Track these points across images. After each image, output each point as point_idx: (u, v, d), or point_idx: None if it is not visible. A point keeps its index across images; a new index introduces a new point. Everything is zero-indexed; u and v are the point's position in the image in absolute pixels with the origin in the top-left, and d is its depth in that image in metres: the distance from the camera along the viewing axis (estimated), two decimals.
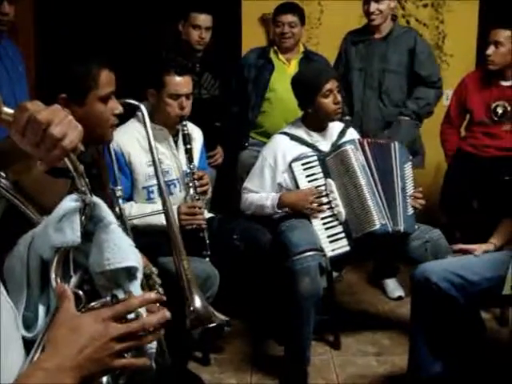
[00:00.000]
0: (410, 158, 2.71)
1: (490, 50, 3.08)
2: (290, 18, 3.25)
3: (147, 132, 2.08)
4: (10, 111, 0.93)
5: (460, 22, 3.92)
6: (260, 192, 2.68)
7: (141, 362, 0.95)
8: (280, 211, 2.61)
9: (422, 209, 2.65)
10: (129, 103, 2.03)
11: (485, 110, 3.21)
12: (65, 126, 0.93)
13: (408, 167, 2.66)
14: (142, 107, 2.12)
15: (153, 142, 2.09)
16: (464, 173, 3.22)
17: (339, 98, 2.61)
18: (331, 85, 2.59)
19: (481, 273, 2.08)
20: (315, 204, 2.54)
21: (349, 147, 2.58)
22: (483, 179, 3.10)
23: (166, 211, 2.07)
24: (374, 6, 3.09)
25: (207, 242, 2.40)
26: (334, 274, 3.41)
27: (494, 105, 3.17)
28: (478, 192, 3.13)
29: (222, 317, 1.97)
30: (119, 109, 1.69)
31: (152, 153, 2.09)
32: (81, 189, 0.96)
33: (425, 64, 3.17)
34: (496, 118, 3.17)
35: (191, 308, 1.92)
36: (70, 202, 0.96)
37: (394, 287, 3.27)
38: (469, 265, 2.15)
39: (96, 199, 0.98)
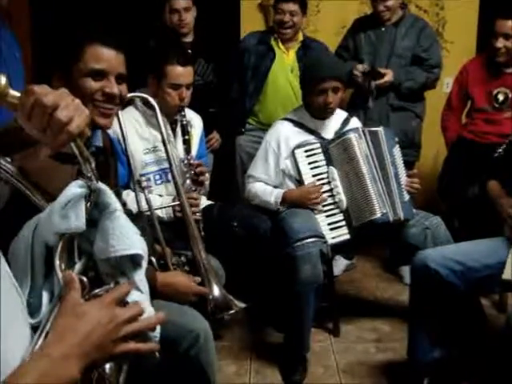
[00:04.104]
0: (397, 140, 2.69)
1: (500, 42, 3.03)
2: (291, 6, 3.20)
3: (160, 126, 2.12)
4: (17, 94, 0.91)
5: (460, 9, 3.89)
6: (265, 179, 2.67)
7: (148, 347, 0.95)
8: (282, 208, 2.61)
9: (421, 196, 2.65)
10: (138, 97, 2.06)
11: (486, 97, 3.20)
12: (71, 110, 0.91)
13: (397, 151, 2.65)
14: (156, 105, 2.14)
15: (165, 135, 2.16)
16: (463, 159, 3.22)
17: (331, 99, 2.53)
18: (327, 84, 2.51)
19: (481, 259, 2.08)
20: (318, 200, 2.54)
21: (352, 135, 2.56)
22: (483, 166, 3.09)
23: (181, 202, 2.10)
24: (381, 6, 3.15)
25: (202, 233, 2.39)
26: (347, 262, 3.43)
27: (495, 92, 3.16)
28: (477, 179, 3.12)
29: (241, 304, 1.98)
30: (112, 89, 1.50)
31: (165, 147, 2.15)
32: (87, 175, 0.95)
33: (427, 49, 3.21)
34: (497, 105, 3.17)
35: (211, 296, 1.94)
36: (75, 188, 0.95)
37: (409, 274, 3.26)
38: (468, 251, 2.15)
39: (102, 185, 0.97)
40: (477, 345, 2.26)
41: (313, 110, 2.66)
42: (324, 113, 2.63)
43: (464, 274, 2.07)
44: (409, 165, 2.93)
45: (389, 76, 3.12)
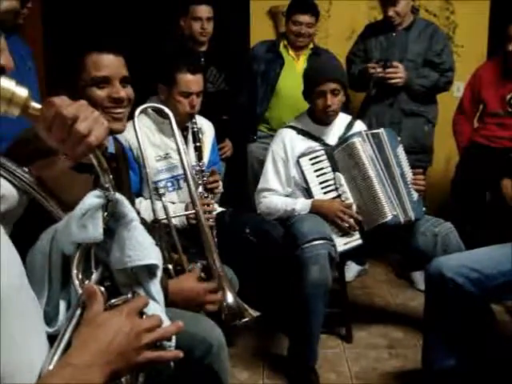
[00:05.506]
0: (399, 139, 2.68)
1: None
2: (307, 18, 3.25)
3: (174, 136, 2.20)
4: (38, 106, 0.93)
5: (471, 13, 3.88)
6: (279, 189, 2.65)
7: (171, 354, 0.97)
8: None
9: (433, 201, 2.63)
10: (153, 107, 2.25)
11: (499, 102, 3.18)
12: (91, 122, 0.93)
13: (401, 151, 2.63)
14: (170, 114, 2.20)
15: (180, 146, 2.19)
16: (476, 164, 3.20)
17: (330, 102, 2.55)
18: (326, 87, 2.53)
19: (497, 267, 2.06)
20: (344, 220, 2.51)
21: (356, 139, 2.55)
22: (496, 171, 3.07)
23: (196, 211, 2.12)
24: (391, 11, 3.15)
25: (215, 239, 2.39)
26: (359, 267, 3.42)
27: (508, 96, 3.14)
28: (490, 184, 3.11)
29: (255, 312, 1.98)
30: (119, 94, 1.52)
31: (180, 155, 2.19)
32: (104, 185, 0.95)
33: (439, 53, 3.21)
34: (510, 110, 3.14)
35: (224, 304, 1.94)
36: (93, 198, 0.96)
37: (421, 279, 3.23)
38: (484, 258, 2.12)
39: (119, 196, 0.98)
40: (491, 350, 2.24)
41: (315, 115, 2.66)
42: (325, 116, 2.63)
43: (481, 281, 2.05)
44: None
45: (400, 68, 3.11)
